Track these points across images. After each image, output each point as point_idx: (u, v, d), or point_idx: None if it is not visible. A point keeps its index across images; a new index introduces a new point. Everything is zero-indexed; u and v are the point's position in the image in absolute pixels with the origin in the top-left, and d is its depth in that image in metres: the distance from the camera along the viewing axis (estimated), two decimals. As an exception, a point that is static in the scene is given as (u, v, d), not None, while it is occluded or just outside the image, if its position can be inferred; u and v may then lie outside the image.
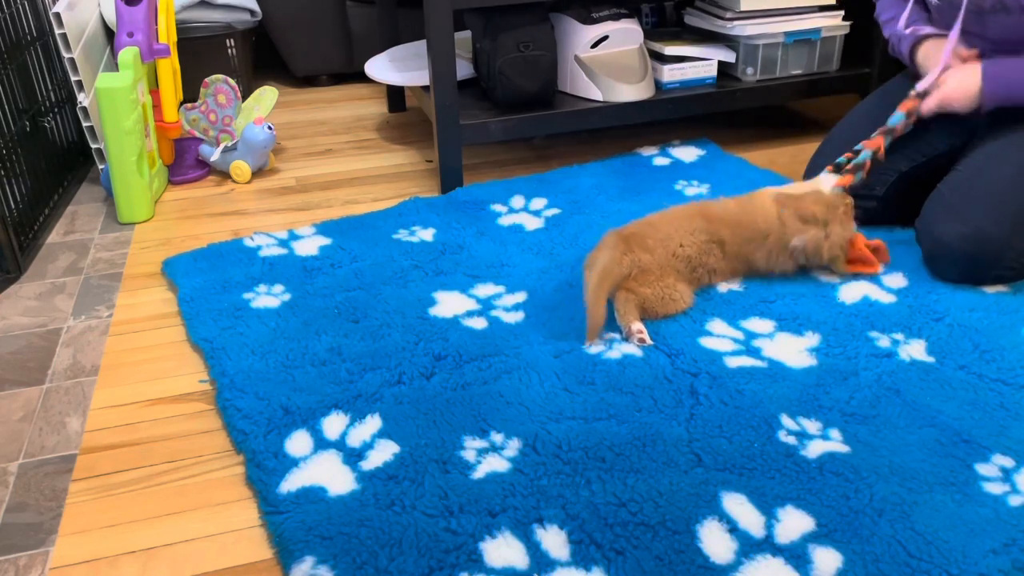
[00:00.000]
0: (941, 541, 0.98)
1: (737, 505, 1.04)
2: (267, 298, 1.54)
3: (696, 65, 2.10)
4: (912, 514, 1.02)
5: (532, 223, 1.80)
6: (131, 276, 1.68)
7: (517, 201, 1.90)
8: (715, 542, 1.00)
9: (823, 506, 1.04)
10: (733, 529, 1.01)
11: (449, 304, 1.50)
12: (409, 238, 1.75)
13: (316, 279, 1.60)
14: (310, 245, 1.74)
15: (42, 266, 1.75)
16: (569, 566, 0.97)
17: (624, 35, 2.04)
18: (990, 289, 1.47)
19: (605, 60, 2.04)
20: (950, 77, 1.51)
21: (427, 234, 1.77)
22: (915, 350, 1.33)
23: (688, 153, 2.12)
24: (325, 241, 1.75)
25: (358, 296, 1.53)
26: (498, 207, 1.88)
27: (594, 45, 2.03)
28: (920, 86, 1.56)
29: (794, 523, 1.02)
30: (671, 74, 2.09)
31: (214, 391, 1.31)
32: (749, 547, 0.99)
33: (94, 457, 1.20)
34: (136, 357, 1.42)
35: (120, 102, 1.80)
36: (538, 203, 1.89)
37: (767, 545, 0.99)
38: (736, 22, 2.04)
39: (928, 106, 1.54)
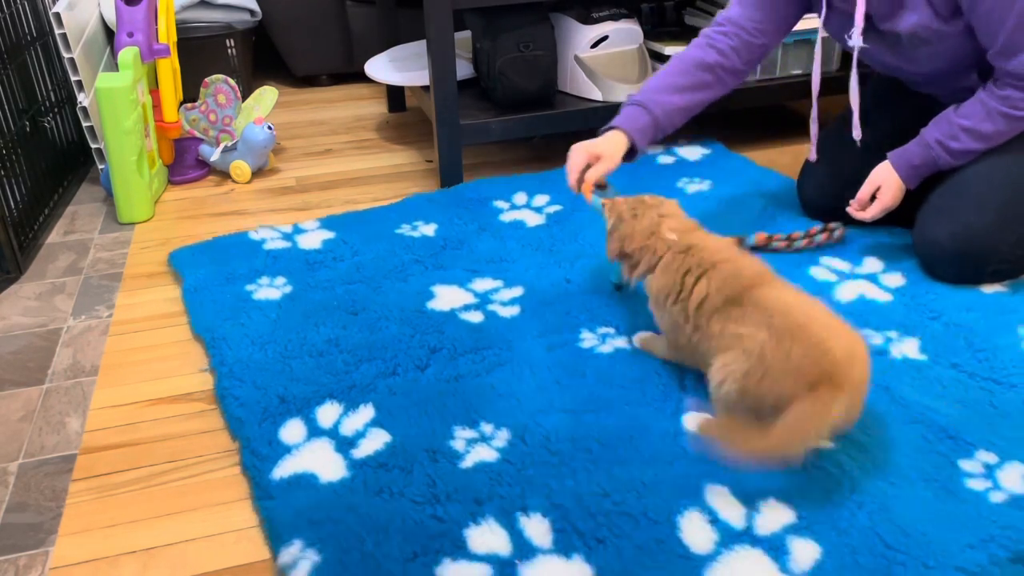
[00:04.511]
0: (919, 534, 0.99)
1: (719, 497, 1.06)
2: (269, 290, 1.56)
3: (696, 65, 2.10)
4: (892, 508, 1.03)
5: (533, 219, 1.81)
6: (131, 276, 1.68)
7: (520, 198, 1.91)
8: (695, 532, 1.01)
9: (804, 499, 1.05)
10: (714, 520, 1.03)
11: (447, 298, 1.52)
12: (411, 233, 1.77)
13: (318, 272, 1.62)
14: (313, 239, 1.75)
15: (42, 266, 1.75)
16: (550, 554, 0.99)
17: (624, 35, 2.04)
18: (988, 289, 1.47)
19: (605, 60, 2.04)
20: (883, 180, 1.52)
21: (429, 229, 1.78)
22: (908, 348, 1.33)
23: (693, 152, 2.12)
24: (328, 235, 1.77)
25: (358, 289, 1.55)
26: (500, 203, 1.89)
27: (594, 45, 2.03)
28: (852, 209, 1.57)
29: (775, 515, 1.03)
30: (671, 74, 2.09)
31: (214, 383, 1.32)
32: (729, 537, 1.00)
33: (94, 457, 1.20)
34: (136, 357, 1.42)
35: (120, 102, 1.80)
36: (540, 200, 1.90)
37: (746, 536, 1.01)
38: (736, 22, 2.04)
39: (873, 213, 1.54)
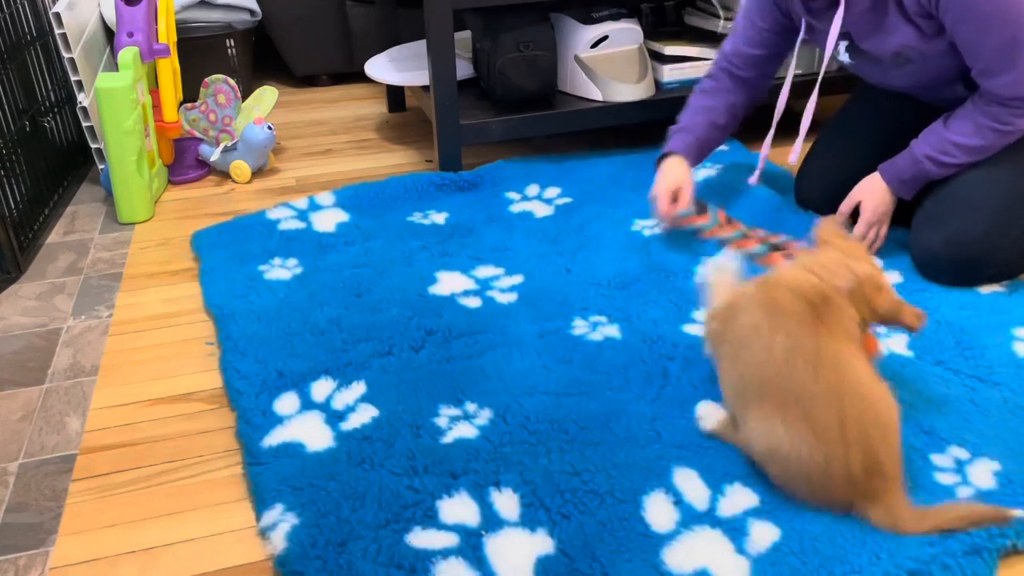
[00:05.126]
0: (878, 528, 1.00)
1: (686, 480, 1.08)
2: (280, 270, 1.62)
3: (696, 65, 2.10)
4: None
5: (542, 210, 1.85)
6: (131, 276, 1.69)
7: (532, 189, 1.94)
8: (658, 512, 1.04)
9: (771, 486, 1.07)
10: (678, 501, 1.05)
11: (448, 283, 1.56)
12: (422, 220, 1.81)
13: (328, 255, 1.67)
14: (328, 220, 1.81)
15: (42, 266, 1.75)
16: (516, 526, 1.02)
17: (624, 35, 2.04)
18: (985, 289, 1.47)
19: (605, 60, 2.04)
20: (864, 194, 1.55)
21: (440, 217, 1.82)
22: (895, 344, 1.34)
23: None
24: (343, 217, 1.83)
25: (364, 272, 1.60)
26: (512, 194, 1.92)
27: (594, 45, 2.03)
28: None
29: (739, 499, 1.05)
30: (671, 74, 2.09)
31: (218, 381, 1.33)
32: (690, 518, 1.03)
33: (94, 457, 1.20)
34: (136, 357, 1.42)
35: (120, 102, 1.80)
36: (552, 191, 1.93)
37: (708, 517, 1.03)
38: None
39: (860, 231, 1.56)
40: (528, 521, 1.03)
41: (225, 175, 2.14)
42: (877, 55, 1.48)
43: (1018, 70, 1.35)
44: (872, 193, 1.53)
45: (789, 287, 1.07)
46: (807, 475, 1.01)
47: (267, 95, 2.27)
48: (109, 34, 2.27)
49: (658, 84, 2.11)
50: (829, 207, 1.65)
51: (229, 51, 2.54)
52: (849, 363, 1.02)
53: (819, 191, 1.72)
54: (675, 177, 1.62)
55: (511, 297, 1.51)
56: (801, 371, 1.01)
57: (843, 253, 1.11)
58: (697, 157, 1.69)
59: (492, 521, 1.04)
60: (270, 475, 1.11)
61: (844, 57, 1.53)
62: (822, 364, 1.01)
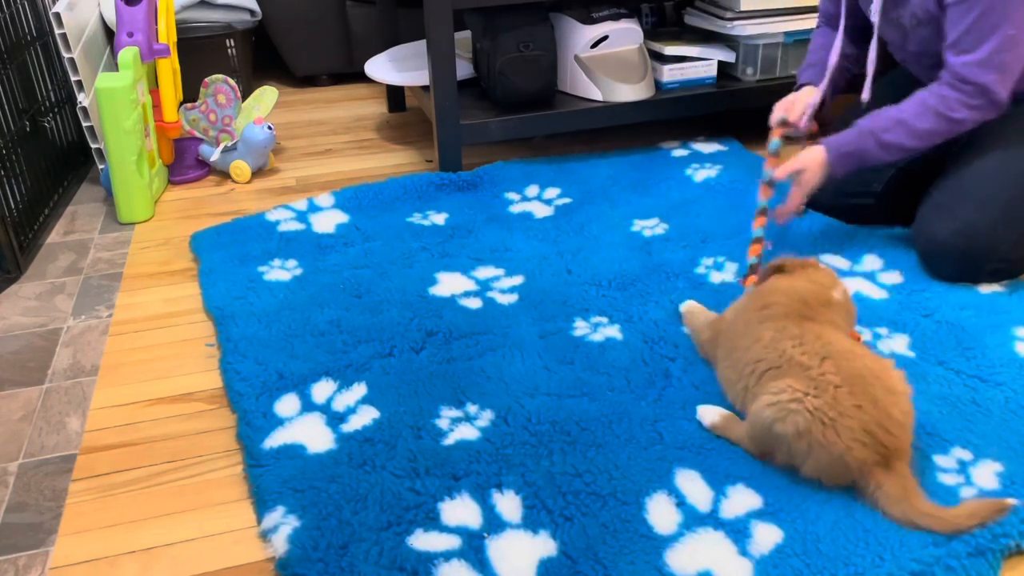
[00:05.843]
0: (881, 529, 1.00)
1: (689, 481, 1.08)
2: (280, 272, 1.62)
3: (696, 65, 2.10)
4: (860, 500, 1.04)
5: (542, 211, 1.85)
6: (131, 276, 1.68)
7: (532, 190, 1.94)
8: (661, 514, 1.04)
9: (773, 487, 1.07)
10: (680, 503, 1.05)
11: (448, 284, 1.56)
12: (422, 221, 1.81)
13: (328, 256, 1.67)
14: (327, 221, 1.81)
15: (42, 266, 1.75)
16: (519, 528, 1.02)
17: (624, 35, 2.04)
18: (985, 288, 1.47)
19: (605, 60, 2.04)
20: (806, 164, 1.52)
21: (439, 218, 1.82)
22: (897, 344, 1.34)
23: (709, 148, 2.13)
24: (342, 218, 1.82)
25: (364, 274, 1.60)
26: (512, 195, 1.92)
27: (594, 45, 2.03)
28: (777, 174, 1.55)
29: (742, 500, 1.05)
30: (671, 74, 2.09)
31: (218, 382, 1.32)
32: (693, 520, 1.03)
33: (94, 457, 1.20)
34: (136, 357, 1.42)
35: (120, 102, 1.79)
36: (551, 192, 1.93)
37: (710, 519, 1.03)
38: (736, 22, 2.04)
39: (796, 201, 1.53)
40: (530, 523, 1.03)
41: (225, 175, 2.14)
42: (900, 16, 1.52)
43: (982, 54, 1.39)
44: (814, 165, 1.51)
45: (785, 291, 1.19)
46: (820, 435, 1.03)
47: (267, 95, 2.27)
48: (109, 34, 2.26)
49: (658, 84, 2.10)
50: (830, 207, 1.65)
51: (229, 51, 2.54)
52: (842, 341, 1.12)
53: (830, 194, 1.69)
54: (794, 96, 1.67)
55: (512, 298, 1.51)
56: (801, 347, 1.10)
57: (826, 275, 1.24)
58: (831, 82, 1.70)
59: (494, 523, 1.03)
60: (271, 477, 1.11)
61: (874, 17, 1.54)
62: (823, 342, 1.10)
